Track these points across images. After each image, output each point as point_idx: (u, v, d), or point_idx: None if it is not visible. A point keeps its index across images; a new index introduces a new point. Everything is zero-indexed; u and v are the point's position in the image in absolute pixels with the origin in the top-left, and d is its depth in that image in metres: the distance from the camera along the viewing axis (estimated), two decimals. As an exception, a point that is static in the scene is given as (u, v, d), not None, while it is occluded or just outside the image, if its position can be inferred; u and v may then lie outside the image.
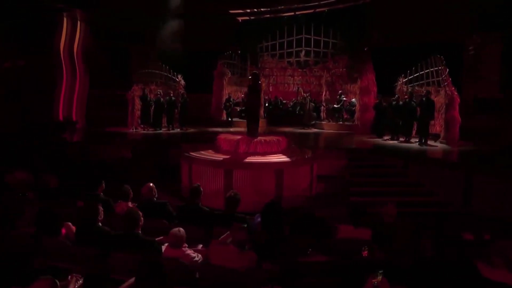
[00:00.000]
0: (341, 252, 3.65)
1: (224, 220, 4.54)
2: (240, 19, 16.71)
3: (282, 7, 15.92)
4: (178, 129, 12.90)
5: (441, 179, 7.46)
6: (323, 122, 14.32)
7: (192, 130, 12.93)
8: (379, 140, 11.04)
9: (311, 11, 15.92)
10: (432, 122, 10.44)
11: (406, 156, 8.60)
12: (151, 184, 4.98)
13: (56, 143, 8.77)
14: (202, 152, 7.99)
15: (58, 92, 11.44)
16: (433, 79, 11.11)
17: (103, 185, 5.19)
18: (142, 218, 3.77)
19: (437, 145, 10.06)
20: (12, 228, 4.21)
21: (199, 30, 14.46)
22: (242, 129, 13.51)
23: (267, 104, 15.65)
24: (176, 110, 12.88)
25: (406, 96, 10.71)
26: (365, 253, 3.66)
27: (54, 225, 3.93)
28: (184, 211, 4.75)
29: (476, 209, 6.82)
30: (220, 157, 7.46)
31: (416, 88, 11.33)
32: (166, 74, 13.59)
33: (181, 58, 13.72)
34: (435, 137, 10.49)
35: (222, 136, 8.47)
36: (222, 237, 3.82)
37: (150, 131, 12.51)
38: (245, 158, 7.42)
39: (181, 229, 3.65)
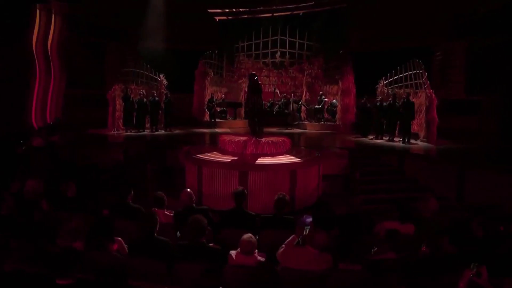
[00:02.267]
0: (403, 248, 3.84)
1: (273, 223, 4.55)
2: (217, 18, 16.53)
3: (261, 8, 16.03)
4: (163, 131, 12.46)
5: (435, 175, 8.04)
6: (305, 122, 14.68)
7: (177, 131, 12.56)
8: (365, 140, 11.59)
9: (289, 13, 16.22)
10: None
11: (400, 154, 9.12)
12: (188, 190, 4.82)
13: (45, 147, 8.04)
14: (208, 154, 7.85)
15: (31, 92, 10.44)
16: (411, 82, 11.91)
17: (132, 192, 4.91)
18: (208, 227, 3.66)
19: (418, 143, 10.80)
20: (52, 244, 3.84)
21: (181, 28, 14.07)
22: (227, 129, 13.49)
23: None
24: (160, 111, 12.43)
25: (390, 98, 11.34)
26: (423, 248, 3.90)
27: (106, 239, 3.66)
28: (230, 216, 4.66)
29: (468, 202, 7.46)
30: (231, 158, 7.38)
31: (395, 90, 12.06)
32: (147, 73, 13.05)
33: (162, 56, 13.24)
34: (414, 136, 11.26)
35: (226, 137, 8.37)
36: (288, 240, 3.82)
37: (133, 132, 11.95)
38: (256, 159, 7.42)
39: (252, 235, 3.60)
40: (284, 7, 15.95)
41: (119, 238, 3.84)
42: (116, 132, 11.78)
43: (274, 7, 15.96)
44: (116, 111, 11.90)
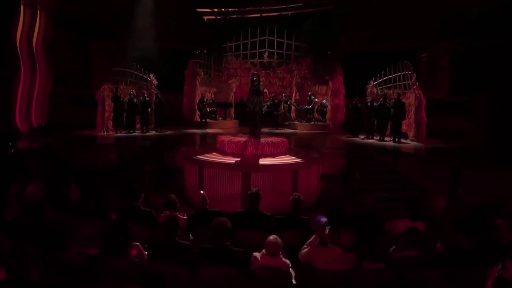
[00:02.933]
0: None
1: (289, 223, 4.55)
2: (206, 18, 16.38)
3: (250, 8, 16.02)
4: (154, 131, 12.23)
5: (429, 174, 8.27)
6: (296, 122, 14.78)
7: (168, 131, 12.35)
8: (356, 139, 11.77)
9: (277, 13, 16.28)
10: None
11: (396, 154, 9.31)
12: (202, 192, 4.75)
13: (39, 149, 7.69)
14: (208, 155, 7.77)
15: (15, 92, 9.95)
16: (400, 83, 12.23)
17: (143, 196, 4.79)
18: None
19: (409, 143, 11.09)
20: (63, 250, 3.68)
21: (169, 27, 13.85)
22: (218, 130, 13.39)
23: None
24: (150, 111, 12.19)
25: (381, 99, 11.59)
26: (438, 245, 4.01)
27: (125, 244, 3.55)
28: (245, 217, 4.62)
29: (461, 200, 7.71)
30: (234, 159, 7.33)
31: (385, 90, 12.34)
32: (136, 73, 12.76)
33: (151, 56, 12.98)
34: (403, 136, 11.53)
35: (225, 138, 8.31)
36: (310, 240, 3.84)
37: (123, 133, 11.66)
38: (257, 159, 7.41)
39: (277, 237, 3.58)
40: (273, 7, 16.00)
41: (137, 243, 3.74)
42: (105, 133, 11.46)
43: (263, 8, 15.99)
44: (106, 111, 11.57)
